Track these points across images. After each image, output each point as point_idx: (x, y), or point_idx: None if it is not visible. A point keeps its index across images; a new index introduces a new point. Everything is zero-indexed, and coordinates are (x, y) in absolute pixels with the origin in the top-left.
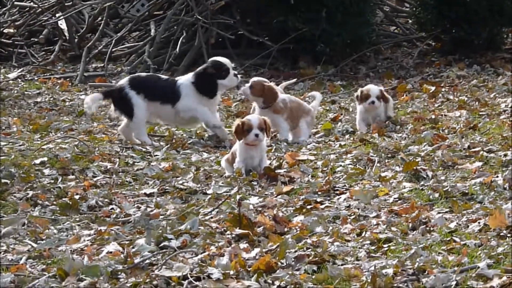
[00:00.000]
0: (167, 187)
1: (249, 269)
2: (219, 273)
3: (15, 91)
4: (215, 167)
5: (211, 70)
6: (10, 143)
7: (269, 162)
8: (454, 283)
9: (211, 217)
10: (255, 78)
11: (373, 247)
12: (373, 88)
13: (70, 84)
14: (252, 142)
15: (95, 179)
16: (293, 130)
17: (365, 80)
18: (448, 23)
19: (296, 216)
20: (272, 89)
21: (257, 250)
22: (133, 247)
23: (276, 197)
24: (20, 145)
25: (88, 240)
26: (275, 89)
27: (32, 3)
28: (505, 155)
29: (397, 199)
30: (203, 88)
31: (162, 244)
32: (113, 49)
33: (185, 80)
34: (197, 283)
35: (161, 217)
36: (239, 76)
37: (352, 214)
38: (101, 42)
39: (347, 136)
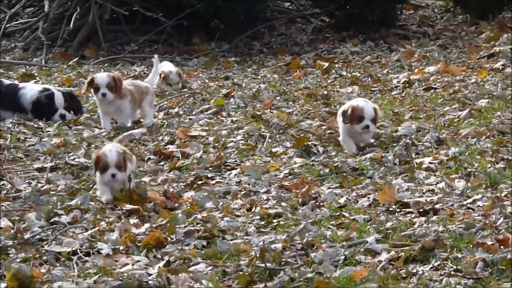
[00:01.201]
0: (58, 163)
1: (139, 244)
2: (109, 248)
3: None
4: (106, 142)
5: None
6: None
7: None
8: (342, 257)
9: None
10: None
11: (262, 222)
12: (368, 108)
13: None
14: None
15: None
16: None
17: (259, 56)
18: None
19: (187, 191)
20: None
21: (147, 225)
22: (23, 223)
23: (168, 172)
24: None
25: None
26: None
27: None
28: (396, 131)
29: (287, 175)
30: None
31: (52, 220)
32: (7, 25)
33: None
34: (86, 258)
35: (52, 192)
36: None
37: (243, 189)
38: None
39: (239, 112)
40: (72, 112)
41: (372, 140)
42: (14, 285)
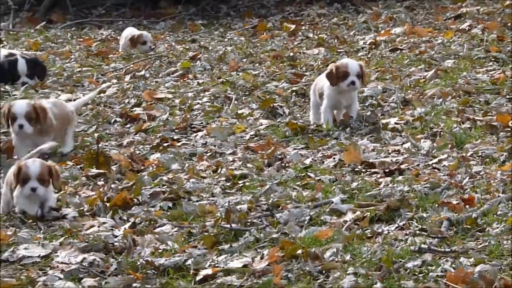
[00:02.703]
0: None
1: (105, 206)
2: (74, 212)
3: None
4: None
5: None
6: None
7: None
8: (308, 218)
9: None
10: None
11: (228, 184)
12: (352, 64)
13: None
14: (27, 194)
15: None
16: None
17: (226, 19)
18: None
19: (153, 153)
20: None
21: (113, 187)
22: None
23: (134, 135)
24: None
25: None
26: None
27: None
28: (362, 92)
29: (253, 136)
30: None
31: None
32: None
33: None
34: (53, 222)
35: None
36: None
37: (209, 151)
38: None
39: (205, 75)
40: (35, 78)
41: (355, 115)
42: None
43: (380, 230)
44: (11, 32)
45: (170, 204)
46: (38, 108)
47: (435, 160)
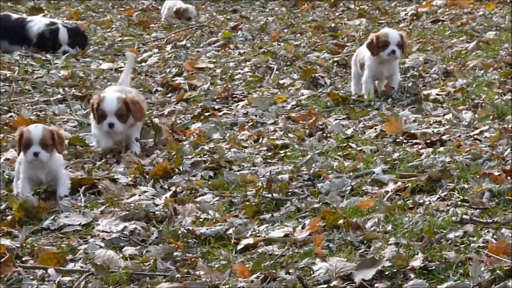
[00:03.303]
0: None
1: (146, 175)
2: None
3: None
4: (114, 74)
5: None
6: None
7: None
8: (349, 188)
9: None
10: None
11: (269, 153)
12: (392, 33)
13: None
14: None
15: None
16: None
17: None
18: None
19: (194, 123)
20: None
21: (153, 156)
22: None
23: (175, 104)
24: None
25: None
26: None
27: None
28: (403, 63)
29: (294, 106)
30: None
31: None
32: None
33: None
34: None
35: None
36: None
37: (250, 121)
38: None
39: (246, 45)
40: (76, 47)
41: (396, 86)
42: (21, 215)
43: (421, 201)
44: (52, 1)
45: (211, 174)
46: (130, 103)
47: (477, 131)
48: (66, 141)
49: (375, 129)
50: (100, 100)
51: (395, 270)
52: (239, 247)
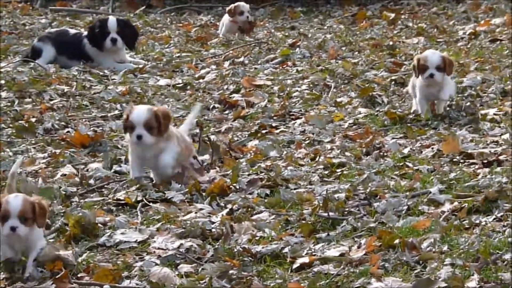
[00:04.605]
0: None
1: (203, 193)
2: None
3: None
4: (172, 91)
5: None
6: None
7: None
8: (405, 207)
9: None
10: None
11: (326, 172)
12: (431, 56)
13: (30, 8)
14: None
15: (51, 102)
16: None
17: (326, 7)
18: None
19: (251, 140)
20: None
21: (211, 173)
22: (87, 170)
23: (232, 121)
24: None
25: (43, 163)
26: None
27: None
28: (461, 82)
29: (352, 125)
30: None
31: (115, 169)
32: None
33: None
34: (151, 204)
35: (115, 140)
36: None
37: (307, 138)
38: None
39: (304, 62)
40: (125, 39)
41: (447, 97)
42: (77, 231)
43: (477, 221)
44: None
45: (268, 191)
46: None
47: None
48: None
49: (432, 148)
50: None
51: None
52: (294, 266)
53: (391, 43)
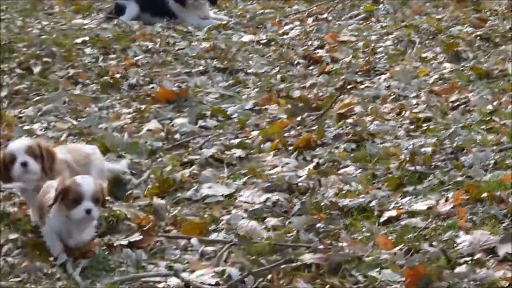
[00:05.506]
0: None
1: (289, 148)
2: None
3: None
4: (256, 46)
5: None
6: (52, 23)
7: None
8: (492, 161)
9: None
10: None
11: (412, 126)
12: None
13: None
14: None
15: (136, 58)
16: None
17: None
18: None
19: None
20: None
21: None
22: (173, 125)
23: (317, 76)
24: (62, 25)
25: (128, 118)
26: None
27: None
28: None
29: (437, 80)
30: None
31: (200, 124)
32: None
33: None
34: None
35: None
36: None
37: (392, 94)
38: None
39: (388, 18)
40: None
41: None
42: (164, 185)
43: None
44: None
45: (354, 146)
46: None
47: None
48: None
49: None
50: None
51: None
52: (382, 219)
53: None
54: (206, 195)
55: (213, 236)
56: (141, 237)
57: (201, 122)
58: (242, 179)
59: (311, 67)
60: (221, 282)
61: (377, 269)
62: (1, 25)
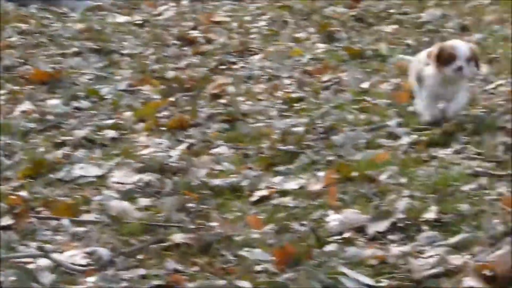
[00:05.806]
0: (82, 48)
1: (162, 128)
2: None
3: None
4: (131, 27)
5: None
6: None
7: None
8: (364, 141)
9: None
10: None
11: (285, 106)
12: (461, 46)
13: None
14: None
15: (10, 39)
16: None
17: None
18: None
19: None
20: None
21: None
22: (46, 107)
23: (192, 57)
24: None
25: (1, 100)
26: None
27: None
28: (419, 18)
29: (310, 60)
30: None
31: (73, 105)
32: None
33: None
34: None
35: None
36: None
37: (265, 74)
38: None
39: None
40: None
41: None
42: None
43: (435, 154)
44: None
45: (227, 126)
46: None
47: (492, 86)
48: None
49: (391, 82)
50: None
51: (408, 222)
52: (253, 199)
53: None
54: (78, 176)
55: (85, 217)
56: (13, 221)
57: (74, 103)
58: (115, 160)
59: (185, 48)
60: (92, 263)
61: (247, 249)
62: None
